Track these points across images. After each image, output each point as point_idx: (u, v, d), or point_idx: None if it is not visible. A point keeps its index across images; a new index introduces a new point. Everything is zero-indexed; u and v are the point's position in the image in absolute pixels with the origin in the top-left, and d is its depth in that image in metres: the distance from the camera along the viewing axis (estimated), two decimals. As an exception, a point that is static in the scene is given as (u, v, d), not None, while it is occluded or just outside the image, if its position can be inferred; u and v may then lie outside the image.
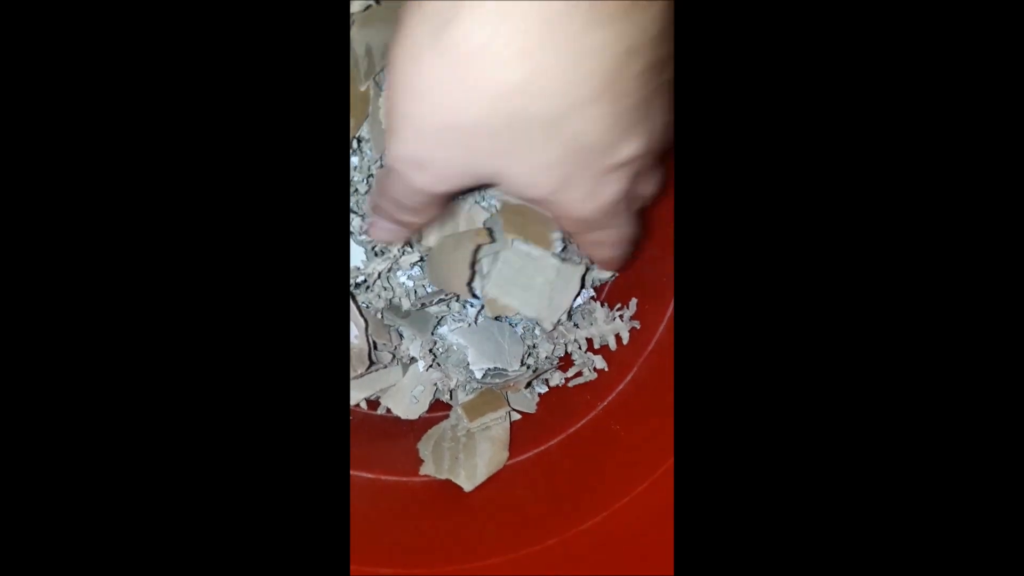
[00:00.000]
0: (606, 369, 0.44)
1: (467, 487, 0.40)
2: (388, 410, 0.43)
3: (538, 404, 0.45)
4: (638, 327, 0.45)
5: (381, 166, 0.37)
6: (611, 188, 0.27)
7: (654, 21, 0.22)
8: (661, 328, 0.44)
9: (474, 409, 0.42)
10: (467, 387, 0.43)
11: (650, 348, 0.44)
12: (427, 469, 0.41)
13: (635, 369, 0.45)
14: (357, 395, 0.42)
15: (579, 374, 0.45)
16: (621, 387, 0.45)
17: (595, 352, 0.45)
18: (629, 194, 0.28)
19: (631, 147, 0.26)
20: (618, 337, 0.45)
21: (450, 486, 0.42)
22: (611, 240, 0.32)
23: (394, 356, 0.40)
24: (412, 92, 0.24)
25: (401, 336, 0.42)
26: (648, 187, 0.31)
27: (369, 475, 0.43)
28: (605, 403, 0.45)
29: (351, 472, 0.42)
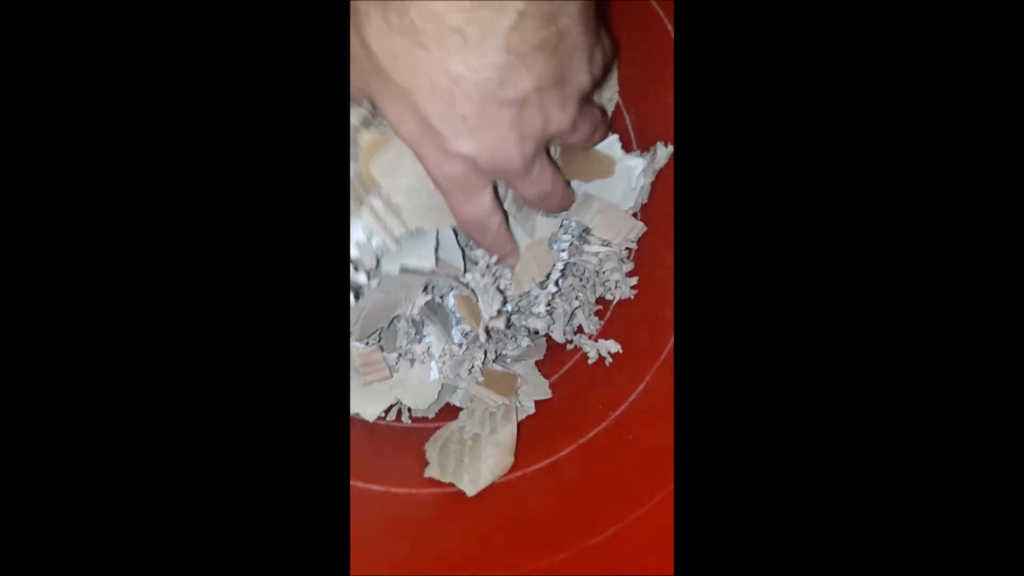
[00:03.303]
0: (620, 351, 0.44)
1: (470, 491, 0.40)
2: (398, 401, 0.43)
3: (548, 412, 0.45)
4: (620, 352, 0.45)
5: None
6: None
7: None
8: (672, 339, 0.44)
9: (490, 377, 0.41)
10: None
11: (662, 357, 0.44)
12: (432, 471, 0.41)
13: (647, 379, 0.44)
14: (376, 408, 0.42)
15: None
16: (633, 397, 0.44)
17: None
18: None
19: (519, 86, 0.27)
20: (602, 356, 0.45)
21: (458, 498, 0.42)
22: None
23: (400, 355, 0.41)
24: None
25: (420, 338, 0.42)
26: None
27: (378, 487, 0.44)
28: (617, 412, 0.44)
29: (360, 484, 0.43)
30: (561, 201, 0.37)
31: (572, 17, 0.27)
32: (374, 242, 0.35)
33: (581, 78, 0.30)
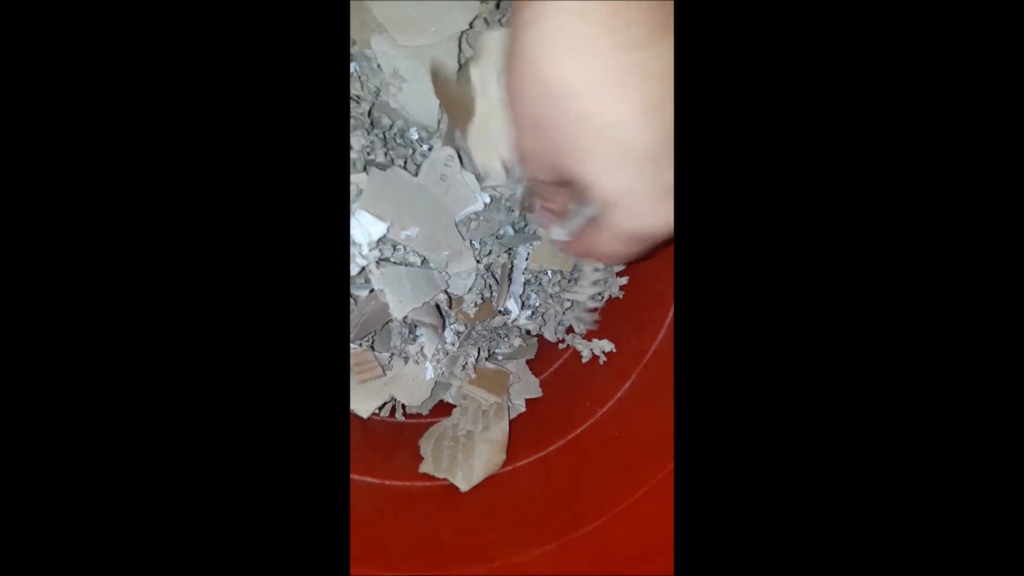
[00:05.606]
0: (614, 350, 0.45)
1: (463, 487, 0.41)
2: (393, 398, 0.44)
3: (538, 409, 0.46)
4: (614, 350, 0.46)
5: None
6: (665, 213, 0.27)
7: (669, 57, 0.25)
8: (660, 336, 0.45)
9: (482, 376, 0.43)
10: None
11: (648, 356, 0.45)
12: (426, 467, 0.42)
13: (634, 376, 0.45)
14: (370, 404, 0.43)
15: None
16: (620, 394, 0.45)
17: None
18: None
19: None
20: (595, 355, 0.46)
21: (452, 491, 0.43)
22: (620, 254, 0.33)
23: (393, 354, 0.42)
24: (511, 91, 0.27)
25: (414, 338, 0.43)
26: None
27: (373, 480, 0.45)
28: (604, 409, 0.45)
29: (354, 476, 0.44)
30: None
31: None
32: (372, 254, 0.36)
33: None
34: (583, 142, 0.26)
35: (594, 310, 0.46)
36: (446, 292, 0.39)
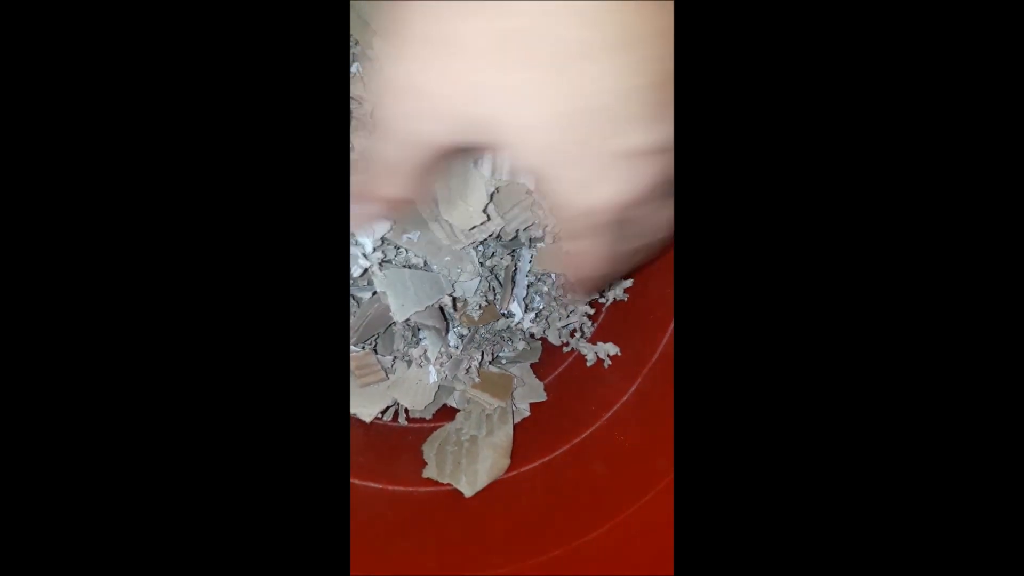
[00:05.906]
0: (619, 354, 0.45)
1: (467, 492, 0.41)
2: (395, 402, 0.43)
3: (542, 413, 0.46)
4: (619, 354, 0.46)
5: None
6: (614, 183, 0.22)
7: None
8: (665, 339, 0.44)
9: (486, 379, 0.42)
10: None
11: (654, 360, 0.45)
12: (429, 472, 0.41)
13: (639, 380, 0.45)
14: (373, 408, 0.43)
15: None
16: (626, 398, 0.45)
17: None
18: (631, 204, 0.24)
19: (649, 134, 0.21)
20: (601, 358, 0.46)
21: (455, 496, 0.43)
22: (589, 257, 0.28)
23: (396, 358, 0.41)
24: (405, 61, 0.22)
25: (417, 341, 0.43)
26: (655, 215, 0.26)
27: (376, 485, 0.44)
28: (610, 414, 0.45)
29: (357, 481, 0.43)
30: None
31: None
32: (375, 256, 0.36)
33: None
34: (521, 80, 0.21)
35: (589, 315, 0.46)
36: (451, 296, 0.39)
